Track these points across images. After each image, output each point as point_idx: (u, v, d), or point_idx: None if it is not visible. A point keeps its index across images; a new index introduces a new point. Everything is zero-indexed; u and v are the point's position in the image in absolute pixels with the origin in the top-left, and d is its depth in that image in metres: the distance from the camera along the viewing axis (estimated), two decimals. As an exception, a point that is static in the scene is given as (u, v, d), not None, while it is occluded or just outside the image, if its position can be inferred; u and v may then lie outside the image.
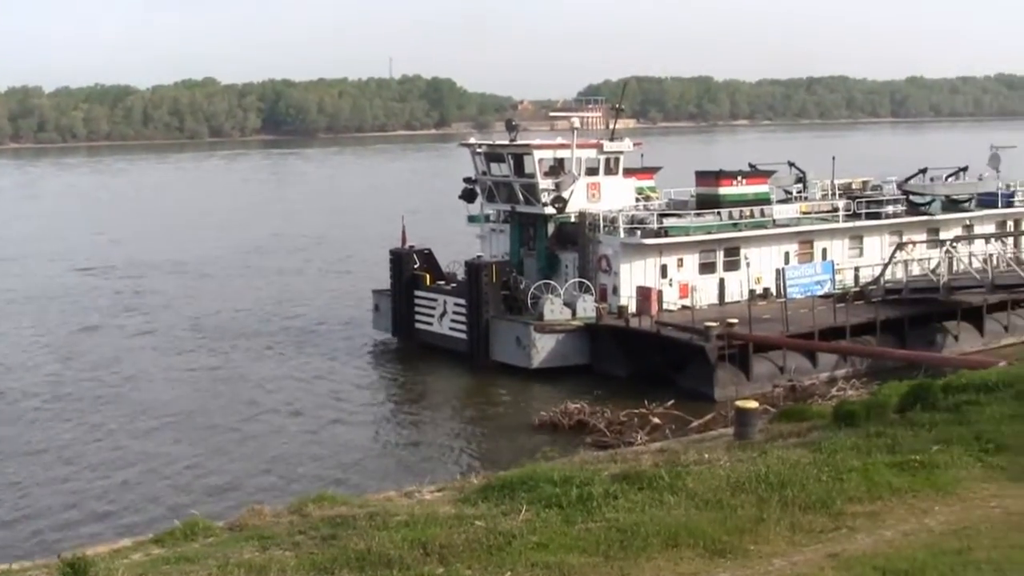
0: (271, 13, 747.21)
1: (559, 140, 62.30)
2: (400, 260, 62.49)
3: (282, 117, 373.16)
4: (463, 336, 58.45)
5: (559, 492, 20.00)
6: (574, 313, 56.19)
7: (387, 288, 63.67)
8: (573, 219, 59.65)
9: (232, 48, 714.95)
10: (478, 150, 63.22)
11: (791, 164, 72.40)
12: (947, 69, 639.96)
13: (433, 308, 60.68)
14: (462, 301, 58.57)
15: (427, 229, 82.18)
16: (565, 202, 59.19)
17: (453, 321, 59.22)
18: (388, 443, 46.73)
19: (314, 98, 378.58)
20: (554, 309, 56.02)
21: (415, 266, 62.12)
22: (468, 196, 65.10)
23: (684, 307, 56.57)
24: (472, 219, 66.57)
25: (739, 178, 62.44)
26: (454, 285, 61.17)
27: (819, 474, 19.96)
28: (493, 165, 62.42)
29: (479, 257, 60.53)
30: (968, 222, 68.11)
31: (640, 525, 18.17)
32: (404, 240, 64.51)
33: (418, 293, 61.57)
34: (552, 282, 58.11)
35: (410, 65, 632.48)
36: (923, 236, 65.45)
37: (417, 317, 61.54)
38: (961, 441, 21.56)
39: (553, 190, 59.31)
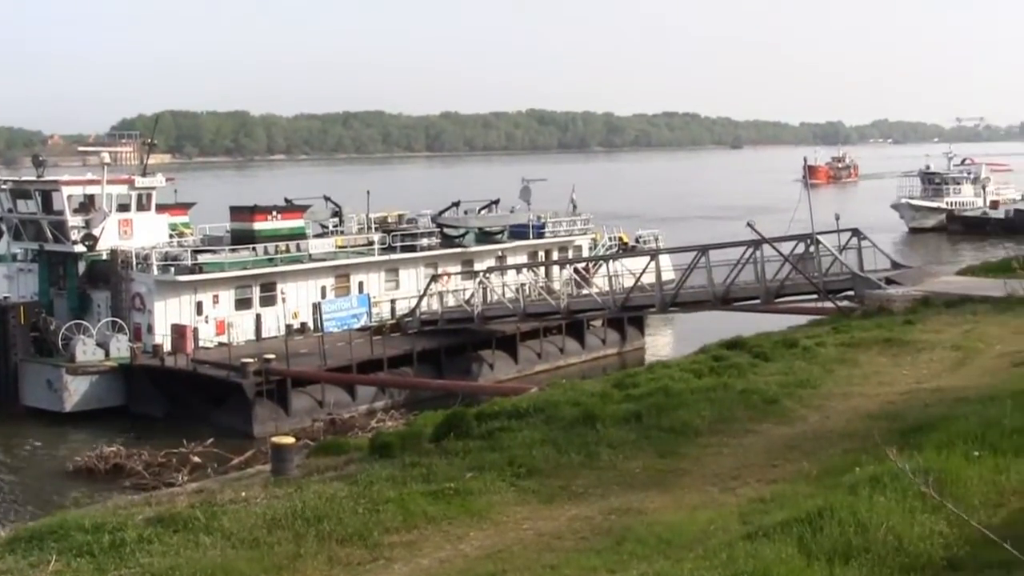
0: None
1: (89, 176, 60.74)
2: (-82, 303, 59.23)
3: None
4: (-10, 381, 55.97)
5: (91, 539, 19.26)
6: (108, 353, 54.75)
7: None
8: (105, 257, 58.16)
9: None
10: (3, 187, 60.86)
11: (327, 198, 72.81)
12: (481, 105, 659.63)
13: (-43, 353, 57.82)
14: (-11, 344, 56.10)
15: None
16: (96, 239, 57.77)
17: (-21, 366, 56.61)
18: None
19: None
20: (87, 350, 54.44)
21: (-64, 309, 59.03)
22: (-8, 234, 62.52)
23: (221, 344, 56.05)
24: (-3, 258, 64.03)
25: (274, 213, 62.33)
26: (-21, 328, 58.49)
27: (356, 506, 19.89)
28: (20, 202, 60.25)
29: (6, 298, 58.27)
30: (501, 253, 70.12)
31: (175, 569, 17.64)
32: (-78, 283, 61.31)
33: (-60, 337, 58.52)
34: (84, 322, 56.40)
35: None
36: (458, 267, 67.04)
37: (-61, 363, 58.46)
38: (494, 467, 21.89)
39: (83, 227, 57.80)
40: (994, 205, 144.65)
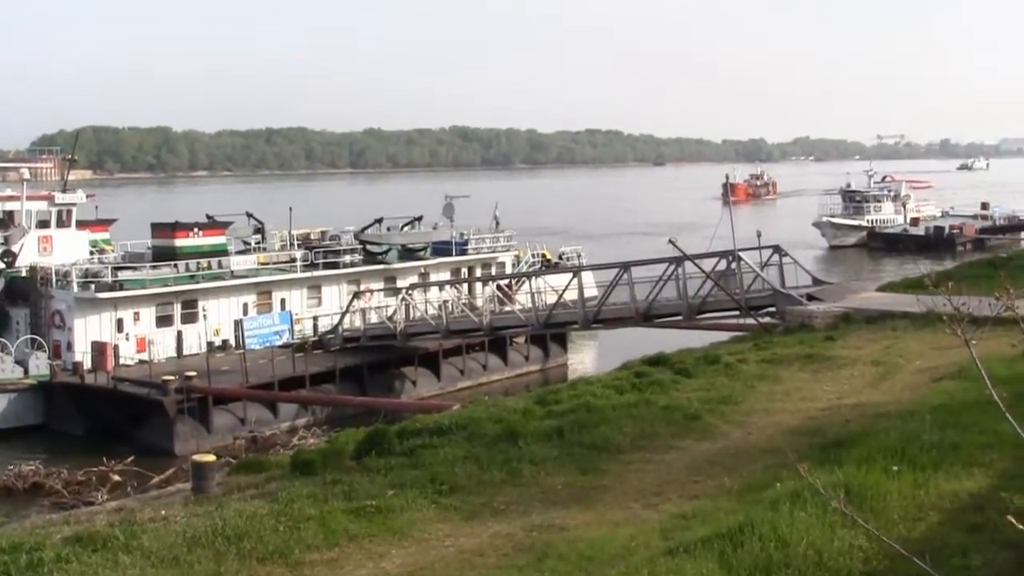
0: None
1: (8, 192, 60.14)
2: None
3: None
4: (-97, 401, 55.15)
5: (8, 560, 19.01)
6: (26, 371, 54.05)
7: None
8: (24, 273, 57.54)
9: None
10: (-80, 203, 60.14)
11: (249, 215, 72.45)
12: (404, 122, 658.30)
13: None
14: (-97, 363, 55.27)
15: None
16: (15, 256, 57.25)
17: None
18: None
19: None
20: (5, 368, 53.77)
21: None
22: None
23: (142, 361, 55.58)
24: (-85, 276, 63.13)
25: (196, 230, 61.82)
26: None
27: (276, 524, 19.75)
28: (-63, 219, 59.51)
29: (-77, 315, 57.43)
30: (424, 270, 69.89)
31: (93, 588, 17.52)
32: None
33: None
34: (3, 339, 55.66)
35: None
36: (380, 284, 66.83)
37: None
38: (416, 484, 21.79)
39: (2, 244, 57.24)
40: (914, 222, 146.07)
